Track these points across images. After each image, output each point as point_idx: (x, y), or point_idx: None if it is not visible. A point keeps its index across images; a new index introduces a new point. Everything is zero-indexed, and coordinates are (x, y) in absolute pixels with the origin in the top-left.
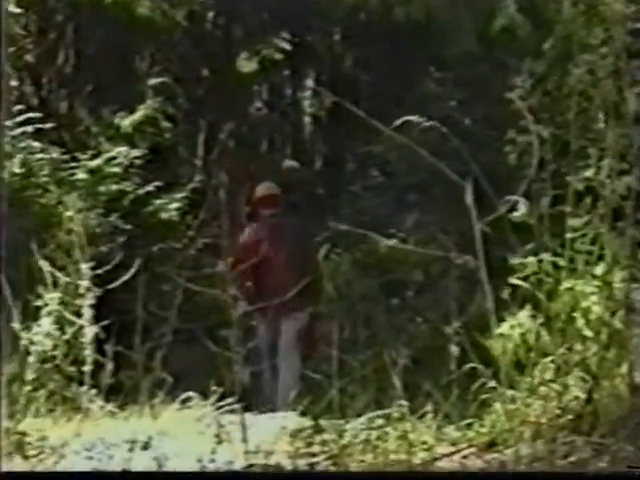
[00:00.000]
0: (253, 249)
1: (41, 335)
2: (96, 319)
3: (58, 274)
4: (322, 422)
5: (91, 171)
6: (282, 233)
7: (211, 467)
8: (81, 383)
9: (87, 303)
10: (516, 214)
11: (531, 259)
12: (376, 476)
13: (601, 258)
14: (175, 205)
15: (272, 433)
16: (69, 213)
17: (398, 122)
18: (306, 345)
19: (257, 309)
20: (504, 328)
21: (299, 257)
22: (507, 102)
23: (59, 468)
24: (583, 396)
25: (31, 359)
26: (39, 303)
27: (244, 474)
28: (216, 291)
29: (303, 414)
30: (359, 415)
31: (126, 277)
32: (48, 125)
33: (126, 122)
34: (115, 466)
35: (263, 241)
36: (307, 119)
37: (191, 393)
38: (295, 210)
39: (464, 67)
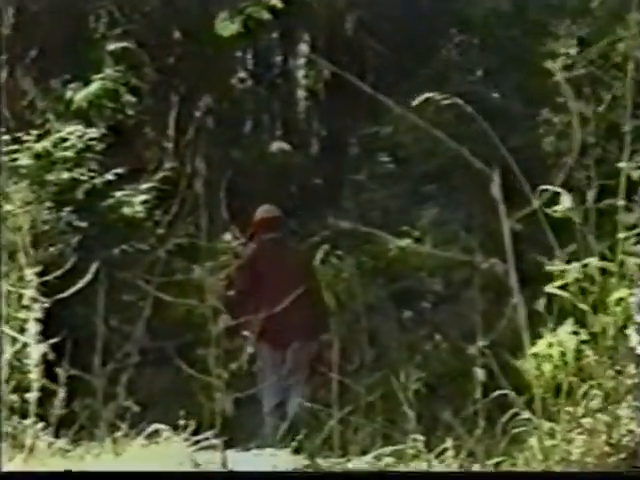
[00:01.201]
0: (249, 274)
1: None
2: (44, 335)
3: None
4: (319, 461)
5: (37, 155)
6: (282, 257)
7: None
8: (24, 415)
9: (33, 316)
10: (555, 209)
11: (573, 264)
12: (376, 476)
13: None
14: (141, 198)
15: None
16: (10, 207)
17: (414, 100)
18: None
19: (261, 335)
20: (540, 347)
21: (300, 281)
22: (543, 73)
23: None
24: (638, 430)
25: None
26: None
27: (244, 474)
28: (192, 302)
29: (297, 451)
30: (364, 452)
31: (81, 285)
32: None
33: (79, 96)
34: None
35: (261, 266)
36: (301, 93)
37: (161, 425)
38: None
39: (492, 30)
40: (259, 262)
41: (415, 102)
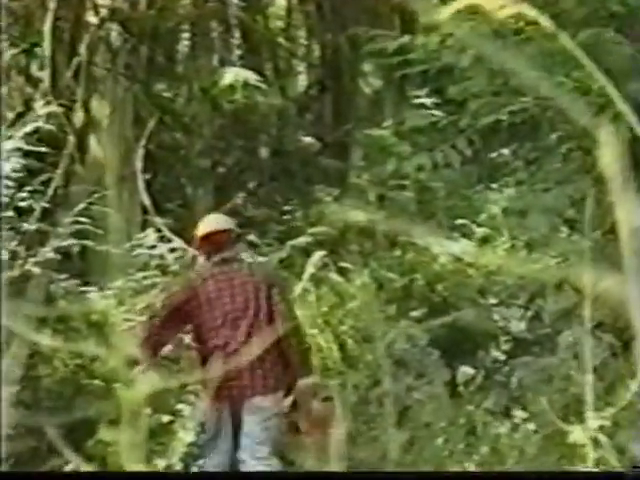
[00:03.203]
0: (185, 310)
1: None
2: None
3: None
4: None
5: None
6: (237, 287)
7: None
8: None
9: None
10: None
11: None
12: (376, 476)
13: None
14: None
15: None
16: None
17: None
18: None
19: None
20: None
21: (263, 319)
22: None
23: None
24: None
25: None
26: None
27: (244, 474)
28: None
29: None
30: None
31: None
32: None
33: None
34: None
35: (212, 295)
36: None
37: None
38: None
39: None
40: (204, 292)
41: None
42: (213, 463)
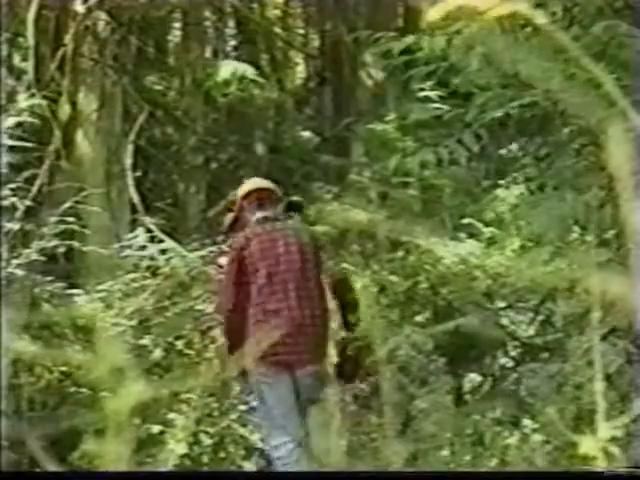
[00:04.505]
0: (236, 273)
1: None
2: None
3: None
4: None
5: None
6: (283, 243)
7: None
8: None
9: None
10: None
11: None
12: (376, 476)
13: None
14: None
15: None
16: None
17: None
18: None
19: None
20: None
21: (312, 283)
22: None
23: None
24: None
25: None
26: None
27: (244, 474)
28: None
29: None
30: None
31: None
32: None
33: None
34: None
35: (253, 258)
36: None
37: None
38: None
39: None
40: (249, 253)
41: None
42: (284, 436)
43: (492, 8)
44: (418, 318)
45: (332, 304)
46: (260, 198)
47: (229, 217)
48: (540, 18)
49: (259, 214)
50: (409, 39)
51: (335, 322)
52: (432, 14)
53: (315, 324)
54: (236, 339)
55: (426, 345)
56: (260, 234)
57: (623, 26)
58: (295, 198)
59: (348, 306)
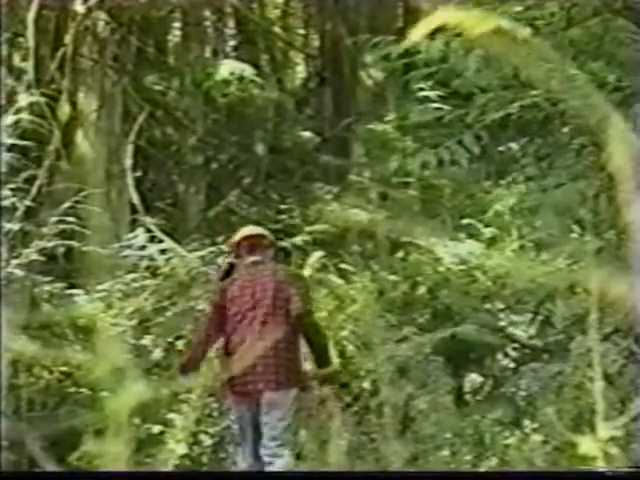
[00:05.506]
0: (216, 306)
1: None
2: None
3: None
4: None
5: None
6: (259, 282)
7: None
8: None
9: None
10: None
11: None
12: (376, 476)
13: None
14: None
15: None
16: None
17: None
18: None
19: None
20: None
21: (279, 316)
22: None
23: None
24: None
25: None
26: None
27: (244, 474)
28: None
29: None
30: None
31: None
32: None
33: None
34: None
35: (232, 295)
36: None
37: None
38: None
39: None
40: (230, 291)
41: None
42: (241, 460)
43: (476, 24)
44: (418, 319)
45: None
46: (252, 244)
47: (225, 263)
48: (523, 32)
49: (249, 259)
50: (407, 43)
51: (307, 357)
52: (416, 33)
53: (277, 356)
54: (191, 362)
55: (425, 346)
56: (243, 276)
57: (620, 21)
58: (284, 244)
59: (314, 342)
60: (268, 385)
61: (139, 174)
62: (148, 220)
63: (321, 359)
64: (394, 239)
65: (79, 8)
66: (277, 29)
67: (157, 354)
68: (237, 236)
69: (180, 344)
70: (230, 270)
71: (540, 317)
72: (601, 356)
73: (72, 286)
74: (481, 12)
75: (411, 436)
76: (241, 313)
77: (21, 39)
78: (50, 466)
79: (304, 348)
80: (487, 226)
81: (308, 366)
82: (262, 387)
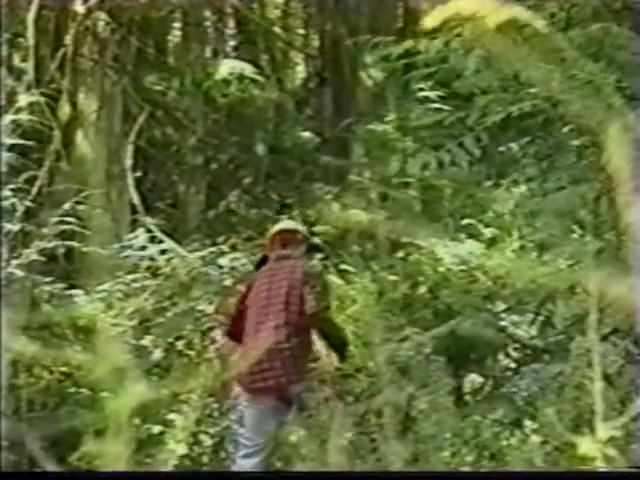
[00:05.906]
0: (239, 300)
1: None
2: None
3: None
4: None
5: None
6: (278, 278)
7: None
8: None
9: None
10: None
11: None
12: (376, 476)
13: None
14: None
15: None
16: None
17: None
18: None
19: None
20: None
21: (293, 314)
22: None
23: None
24: None
25: None
26: None
27: (244, 474)
28: None
29: None
30: None
31: None
32: None
33: None
34: None
35: (256, 290)
36: None
37: None
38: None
39: None
40: (255, 287)
41: None
42: (252, 460)
43: (491, 13)
44: (418, 320)
45: (315, 335)
46: (284, 239)
47: (259, 256)
48: (538, 22)
49: (278, 253)
50: (407, 43)
51: (322, 353)
52: (430, 20)
53: (291, 350)
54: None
55: (426, 346)
56: (266, 271)
57: (619, 27)
58: (316, 241)
59: (332, 338)
60: (283, 381)
61: (139, 174)
62: (148, 220)
63: (341, 355)
64: (394, 239)
65: (79, 8)
66: (277, 29)
67: (157, 354)
68: (272, 230)
69: (180, 344)
70: (262, 263)
71: (541, 317)
72: (601, 356)
73: (72, 286)
74: (496, 2)
75: (412, 436)
76: (256, 311)
77: (21, 39)
78: (50, 466)
79: (318, 346)
80: (487, 226)
81: (327, 360)
82: (284, 381)
